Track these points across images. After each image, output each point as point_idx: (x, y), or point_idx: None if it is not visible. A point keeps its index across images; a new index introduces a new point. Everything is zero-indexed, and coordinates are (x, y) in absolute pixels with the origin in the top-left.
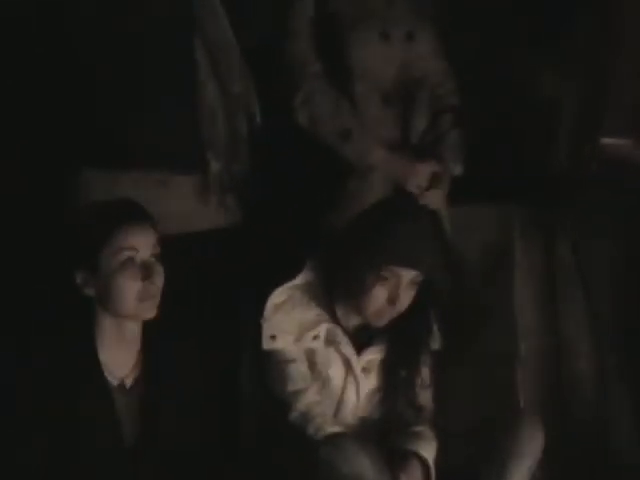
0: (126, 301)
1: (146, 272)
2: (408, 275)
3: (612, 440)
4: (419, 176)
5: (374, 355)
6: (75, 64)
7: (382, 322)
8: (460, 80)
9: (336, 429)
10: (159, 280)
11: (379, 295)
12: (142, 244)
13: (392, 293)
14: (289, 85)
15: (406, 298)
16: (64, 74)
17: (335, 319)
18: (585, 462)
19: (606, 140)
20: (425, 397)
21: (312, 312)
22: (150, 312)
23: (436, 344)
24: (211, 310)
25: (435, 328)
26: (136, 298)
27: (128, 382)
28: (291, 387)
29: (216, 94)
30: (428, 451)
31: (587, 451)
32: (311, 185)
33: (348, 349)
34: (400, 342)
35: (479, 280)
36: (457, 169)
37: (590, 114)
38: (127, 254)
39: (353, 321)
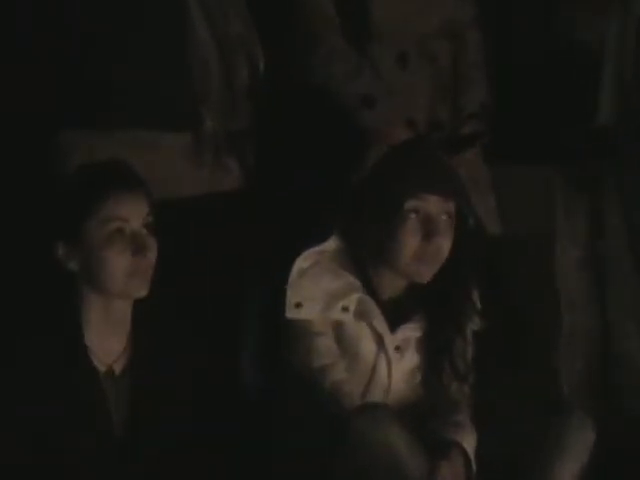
0: (114, 277)
1: (137, 245)
2: (437, 203)
3: None
4: None
5: (410, 333)
6: (53, 13)
7: (426, 272)
8: (491, 30)
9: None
10: (152, 254)
11: (411, 233)
12: (133, 213)
13: (425, 227)
14: (306, 39)
15: (443, 234)
16: (40, 24)
17: (369, 290)
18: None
19: None
20: (469, 381)
21: (342, 280)
22: (141, 290)
23: (480, 321)
24: (209, 287)
25: (477, 301)
26: (125, 274)
27: (117, 368)
28: (317, 363)
29: (208, 39)
30: (469, 443)
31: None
32: (326, 145)
33: (381, 324)
34: (441, 318)
35: (516, 249)
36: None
37: (635, 61)
38: (116, 225)
39: (391, 288)
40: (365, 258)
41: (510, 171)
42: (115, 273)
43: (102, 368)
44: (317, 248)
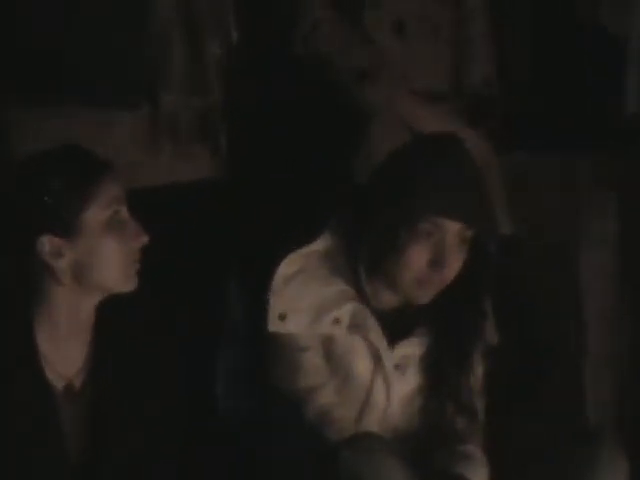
0: (113, 269)
1: (132, 232)
2: (453, 228)
3: None
4: None
5: (412, 348)
6: None
7: (426, 296)
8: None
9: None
10: (144, 242)
11: (418, 255)
12: (122, 196)
13: (435, 253)
14: (288, 7)
15: (453, 261)
16: None
17: (363, 298)
18: None
19: None
20: (477, 407)
21: (334, 287)
22: (132, 283)
23: (493, 337)
24: (179, 291)
25: (491, 317)
26: (123, 264)
27: (77, 383)
28: (302, 383)
29: (170, 2)
30: (479, 477)
31: None
32: (314, 125)
33: (378, 338)
34: (448, 333)
35: (535, 252)
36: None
37: None
38: (113, 208)
39: (387, 301)
40: (359, 263)
41: (527, 162)
42: (114, 264)
43: (60, 384)
44: (304, 249)
